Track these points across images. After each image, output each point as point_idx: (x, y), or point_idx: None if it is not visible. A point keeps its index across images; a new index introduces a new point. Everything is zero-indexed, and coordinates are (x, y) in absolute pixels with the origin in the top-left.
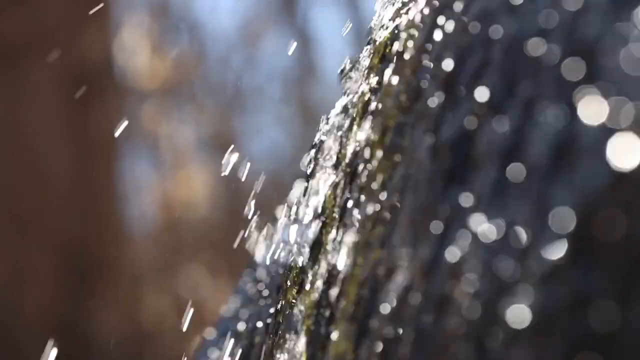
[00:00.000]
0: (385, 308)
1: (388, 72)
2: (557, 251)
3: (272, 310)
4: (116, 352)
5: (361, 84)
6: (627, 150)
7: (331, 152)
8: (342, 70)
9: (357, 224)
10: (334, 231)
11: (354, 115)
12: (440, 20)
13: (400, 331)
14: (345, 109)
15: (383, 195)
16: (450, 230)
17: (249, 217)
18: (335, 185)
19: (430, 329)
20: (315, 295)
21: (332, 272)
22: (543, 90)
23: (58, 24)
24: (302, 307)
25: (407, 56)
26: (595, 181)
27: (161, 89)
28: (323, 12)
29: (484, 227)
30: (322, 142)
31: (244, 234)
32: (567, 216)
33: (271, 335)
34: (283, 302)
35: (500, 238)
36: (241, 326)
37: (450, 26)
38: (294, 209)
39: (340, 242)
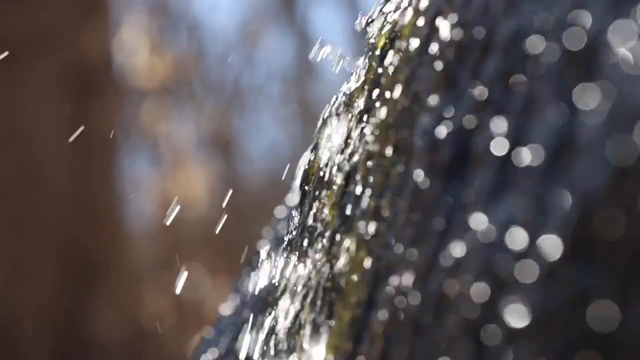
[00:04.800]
0: (385, 307)
1: (387, 70)
2: (556, 250)
3: (271, 309)
4: (115, 351)
5: (360, 80)
6: (626, 149)
7: (330, 150)
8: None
9: (356, 223)
10: (333, 230)
11: (353, 114)
12: (440, 18)
13: (400, 330)
14: (343, 107)
15: (382, 194)
16: (450, 228)
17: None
18: (334, 185)
19: (430, 328)
20: (314, 295)
21: (331, 271)
22: (542, 88)
23: (57, 23)
24: (301, 306)
25: (406, 53)
26: (595, 180)
27: (160, 88)
28: (322, 11)
29: (483, 225)
30: (321, 140)
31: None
32: (566, 215)
33: (270, 334)
34: (282, 301)
35: (499, 237)
36: (240, 324)
37: (450, 24)
38: (293, 208)
39: (339, 241)
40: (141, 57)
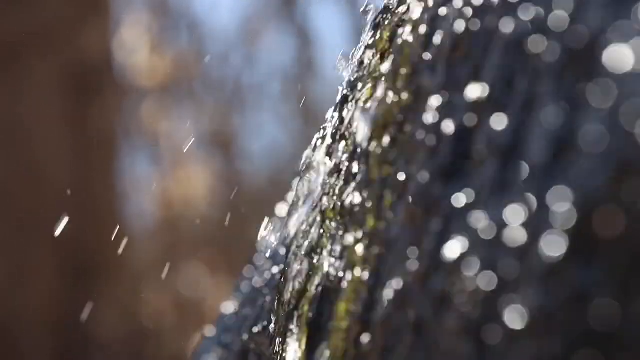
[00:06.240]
0: (385, 306)
1: (387, 68)
2: (556, 248)
3: (270, 307)
4: (116, 350)
5: (362, 79)
6: (627, 148)
7: (330, 149)
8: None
9: (356, 222)
10: (333, 229)
11: (353, 113)
12: (441, 16)
13: (400, 329)
14: (344, 106)
15: (383, 192)
16: (450, 227)
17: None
18: (334, 183)
19: (430, 327)
20: (314, 293)
21: (331, 270)
22: (543, 87)
23: (57, 23)
24: (301, 305)
25: (407, 53)
26: (595, 179)
27: (161, 87)
28: (323, 10)
29: (483, 224)
30: (321, 139)
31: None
32: (567, 213)
33: (270, 333)
34: (282, 300)
35: (499, 235)
36: (241, 324)
37: (450, 23)
38: (293, 207)
39: (339, 240)
40: (141, 56)
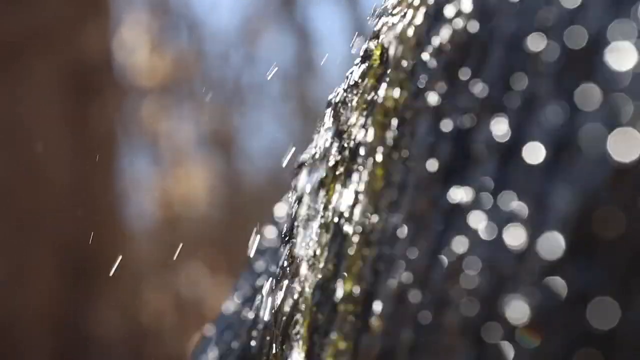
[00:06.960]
0: (385, 305)
1: (387, 68)
2: (556, 248)
3: (270, 307)
4: (116, 350)
5: (361, 79)
6: (627, 147)
7: (329, 148)
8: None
9: (356, 221)
10: (332, 228)
11: (353, 112)
12: (441, 16)
13: (400, 329)
14: (344, 105)
15: (382, 192)
16: (450, 227)
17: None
18: (333, 183)
19: (430, 326)
20: (314, 293)
21: (332, 270)
22: (542, 86)
23: (57, 22)
24: (301, 305)
25: (407, 52)
26: (595, 178)
27: (160, 87)
28: (322, 10)
29: (483, 224)
30: (319, 139)
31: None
32: (567, 213)
33: (270, 332)
34: (281, 300)
35: (499, 235)
36: (240, 323)
37: (450, 22)
38: (292, 207)
39: (339, 239)
40: (141, 55)
